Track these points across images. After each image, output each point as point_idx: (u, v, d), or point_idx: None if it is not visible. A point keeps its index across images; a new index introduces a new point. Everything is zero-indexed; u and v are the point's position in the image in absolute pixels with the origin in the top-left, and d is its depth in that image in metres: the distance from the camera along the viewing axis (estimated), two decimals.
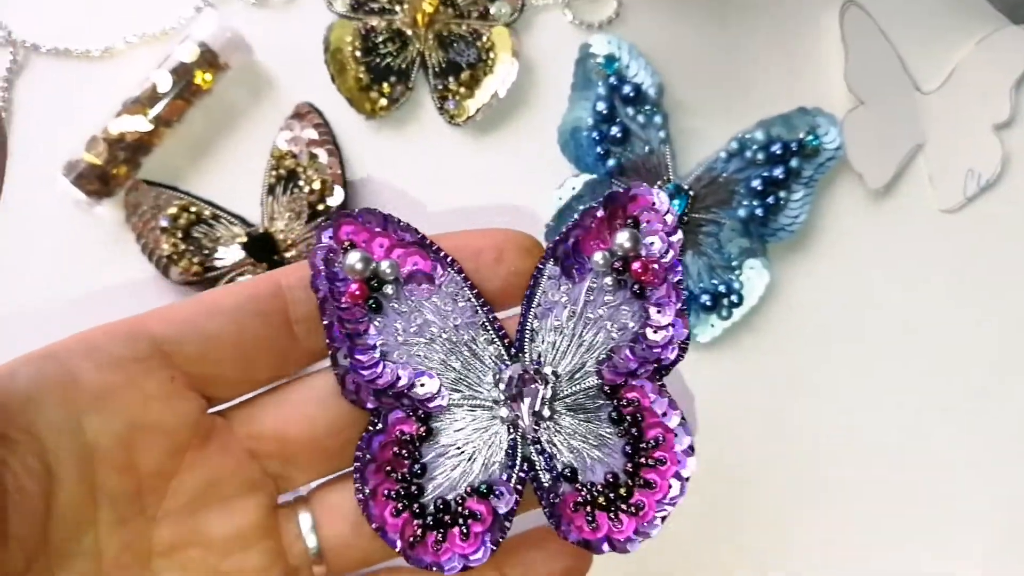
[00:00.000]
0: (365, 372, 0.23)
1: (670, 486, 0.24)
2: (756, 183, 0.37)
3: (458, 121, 0.38)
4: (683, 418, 0.24)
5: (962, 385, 0.39)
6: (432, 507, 0.24)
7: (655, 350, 0.23)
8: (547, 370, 0.24)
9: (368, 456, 0.24)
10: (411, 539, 0.24)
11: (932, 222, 0.39)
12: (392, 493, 0.24)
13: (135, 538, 0.23)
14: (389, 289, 0.23)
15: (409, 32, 0.38)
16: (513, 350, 0.24)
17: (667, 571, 0.37)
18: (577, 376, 0.24)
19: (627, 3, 0.38)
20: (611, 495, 0.24)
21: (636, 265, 0.23)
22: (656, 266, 0.23)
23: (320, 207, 0.36)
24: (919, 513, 0.38)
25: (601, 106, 0.37)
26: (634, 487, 0.24)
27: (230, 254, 0.37)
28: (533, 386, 0.24)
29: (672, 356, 0.23)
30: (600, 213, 0.23)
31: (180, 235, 0.36)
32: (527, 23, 0.38)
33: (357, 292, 0.23)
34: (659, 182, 0.37)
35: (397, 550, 0.24)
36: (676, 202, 0.37)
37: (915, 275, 0.39)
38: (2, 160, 0.20)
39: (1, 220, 0.37)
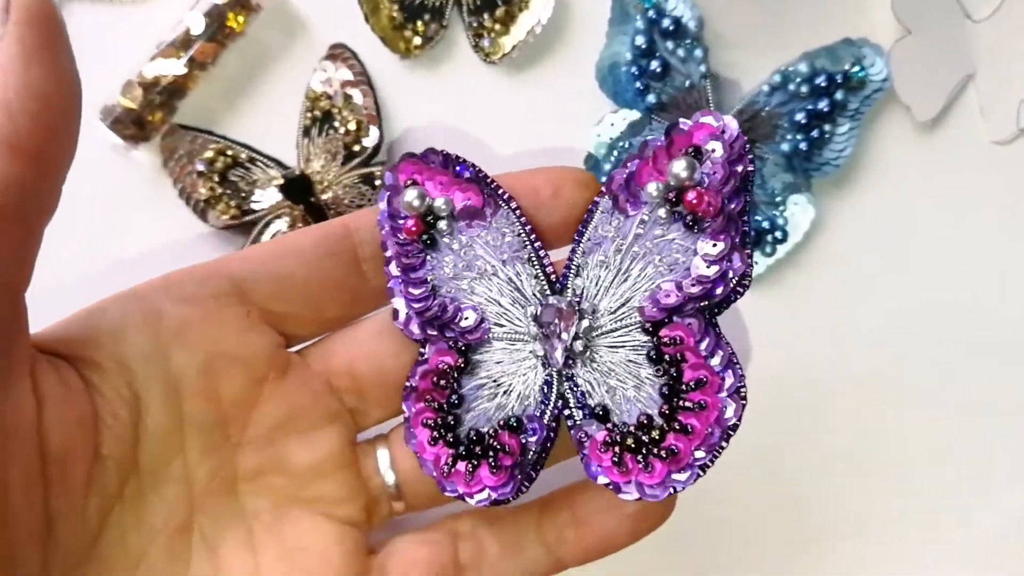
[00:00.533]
0: (416, 304, 0.24)
1: (710, 432, 0.22)
2: (800, 116, 0.36)
3: (494, 59, 0.37)
4: (732, 359, 0.22)
5: (1013, 318, 0.38)
6: (465, 438, 0.24)
7: (705, 285, 0.22)
8: (584, 305, 0.23)
9: (412, 384, 0.25)
10: (444, 468, 0.24)
11: (983, 154, 0.38)
12: (430, 422, 0.24)
13: (222, 465, 0.25)
14: (443, 224, 0.23)
15: None
16: (558, 285, 0.24)
17: (697, 513, 0.37)
18: (620, 312, 0.23)
19: None
20: (643, 438, 0.23)
21: (691, 195, 0.21)
22: (713, 196, 0.21)
23: (356, 148, 0.36)
24: (966, 451, 0.38)
25: (640, 40, 0.36)
26: (668, 431, 0.22)
27: (267, 197, 0.36)
28: (566, 321, 0.23)
29: (723, 292, 0.22)
30: (660, 142, 0.22)
31: (217, 179, 0.36)
32: None
33: (413, 228, 0.23)
34: None
35: (433, 477, 0.24)
36: None
37: (965, 208, 0.38)
38: (78, 108, 0.20)
39: None
